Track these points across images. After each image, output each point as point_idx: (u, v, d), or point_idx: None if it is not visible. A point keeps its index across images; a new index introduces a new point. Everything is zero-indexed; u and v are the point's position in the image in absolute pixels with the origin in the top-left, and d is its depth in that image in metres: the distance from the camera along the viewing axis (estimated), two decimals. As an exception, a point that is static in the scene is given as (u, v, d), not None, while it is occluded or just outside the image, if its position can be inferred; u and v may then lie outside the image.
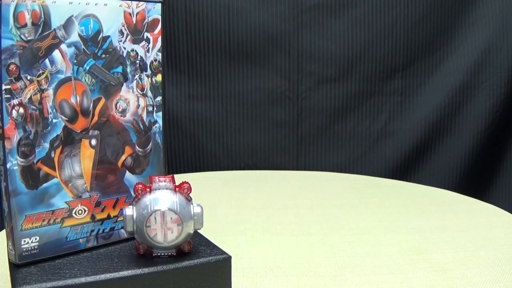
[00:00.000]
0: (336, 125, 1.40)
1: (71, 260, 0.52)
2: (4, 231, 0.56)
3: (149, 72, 0.57)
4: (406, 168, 1.43)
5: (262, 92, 1.38)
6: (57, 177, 0.51)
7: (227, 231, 0.81)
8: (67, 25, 0.50)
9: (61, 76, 0.50)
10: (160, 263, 0.50)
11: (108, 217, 0.56)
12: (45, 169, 0.51)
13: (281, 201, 0.97)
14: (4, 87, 0.47)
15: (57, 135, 0.51)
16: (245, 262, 0.69)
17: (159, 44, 0.57)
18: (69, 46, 0.51)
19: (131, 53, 0.55)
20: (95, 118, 0.53)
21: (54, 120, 0.50)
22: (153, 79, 0.57)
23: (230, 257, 0.53)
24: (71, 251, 0.53)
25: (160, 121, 0.58)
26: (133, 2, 0.54)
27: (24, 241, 0.50)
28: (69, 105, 0.51)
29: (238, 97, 1.38)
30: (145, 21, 0.56)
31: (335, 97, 1.39)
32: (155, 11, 0.56)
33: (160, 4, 0.56)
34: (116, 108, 0.55)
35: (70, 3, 0.50)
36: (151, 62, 0.57)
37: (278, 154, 1.41)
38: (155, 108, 0.58)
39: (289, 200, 0.97)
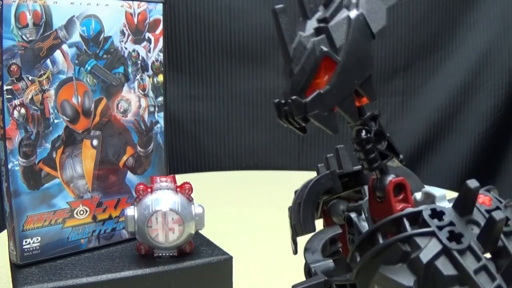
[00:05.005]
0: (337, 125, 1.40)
1: (72, 260, 0.52)
2: (5, 231, 0.56)
3: (150, 72, 0.57)
4: (407, 168, 1.42)
5: (263, 92, 1.37)
6: (58, 178, 0.51)
7: (229, 232, 0.81)
8: (69, 25, 0.50)
9: (63, 77, 0.50)
10: (161, 263, 0.50)
11: (110, 217, 0.56)
12: (46, 169, 0.51)
13: (283, 201, 0.96)
14: (5, 87, 0.47)
15: (59, 136, 0.51)
16: (247, 263, 0.69)
17: (160, 44, 0.57)
18: (70, 46, 0.51)
19: (133, 53, 0.55)
20: (97, 118, 0.53)
21: (56, 121, 0.50)
22: (155, 79, 0.57)
23: (231, 258, 0.53)
24: (73, 251, 0.53)
25: (161, 122, 0.58)
26: (134, 2, 0.54)
27: (26, 241, 0.50)
28: (71, 106, 0.51)
29: (240, 98, 1.38)
30: (147, 21, 0.56)
31: (336, 97, 1.38)
32: (157, 11, 0.56)
33: (161, 4, 0.56)
34: (117, 109, 0.55)
35: (71, 3, 0.50)
36: (153, 63, 0.57)
37: (279, 155, 1.41)
38: (156, 109, 0.58)
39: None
